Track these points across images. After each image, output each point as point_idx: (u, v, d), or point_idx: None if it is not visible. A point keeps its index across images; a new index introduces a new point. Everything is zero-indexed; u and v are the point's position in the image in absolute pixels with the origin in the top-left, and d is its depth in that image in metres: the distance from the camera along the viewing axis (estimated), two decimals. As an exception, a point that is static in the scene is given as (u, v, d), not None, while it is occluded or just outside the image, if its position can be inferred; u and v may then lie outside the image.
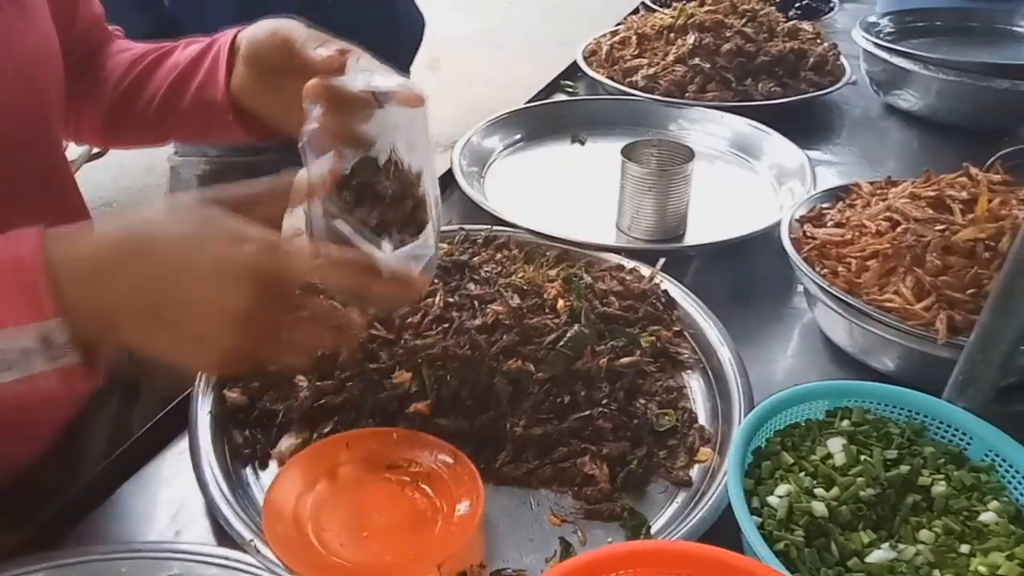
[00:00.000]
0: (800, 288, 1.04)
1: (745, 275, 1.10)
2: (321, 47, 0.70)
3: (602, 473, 0.74)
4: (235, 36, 0.79)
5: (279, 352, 0.63)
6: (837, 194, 1.02)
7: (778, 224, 0.98)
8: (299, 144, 0.67)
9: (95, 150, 3.12)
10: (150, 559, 0.62)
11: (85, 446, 0.87)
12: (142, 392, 0.94)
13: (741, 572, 0.57)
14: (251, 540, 0.64)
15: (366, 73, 0.67)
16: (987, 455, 0.70)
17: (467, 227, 1.04)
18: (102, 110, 0.86)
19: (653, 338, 0.88)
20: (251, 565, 0.62)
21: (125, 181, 3.35)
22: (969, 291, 0.78)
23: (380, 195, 0.69)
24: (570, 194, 1.25)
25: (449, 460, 0.73)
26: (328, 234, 0.65)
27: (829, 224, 0.94)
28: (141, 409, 0.93)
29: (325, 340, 0.66)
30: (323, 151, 0.67)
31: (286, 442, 0.76)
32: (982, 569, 0.62)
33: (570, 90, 1.64)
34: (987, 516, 0.66)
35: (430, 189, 0.71)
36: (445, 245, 1.00)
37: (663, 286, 0.95)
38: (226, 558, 0.63)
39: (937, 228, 0.83)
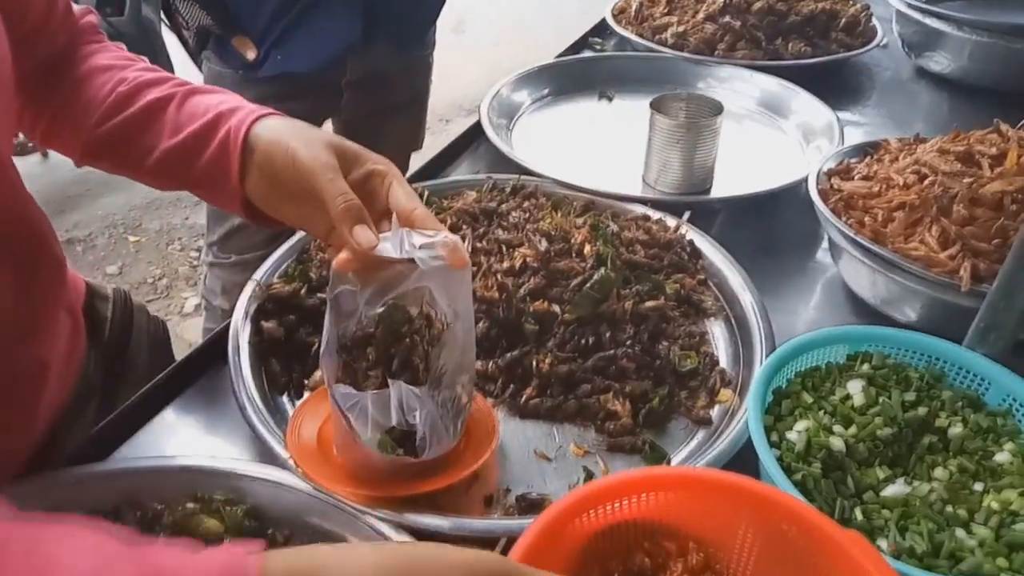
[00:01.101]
0: (825, 244, 1.05)
1: (770, 230, 1.11)
2: (358, 229, 0.62)
3: (624, 409, 0.77)
4: (247, 132, 0.69)
5: None
6: (865, 149, 1.02)
7: (805, 180, 0.98)
8: (327, 297, 0.65)
9: (30, 144, 2.97)
10: (199, 472, 0.65)
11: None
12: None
13: (759, 497, 0.59)
14: (289, 458, 0.67)
15: (405, 234, 0.61)
16: (1005, 400, 0.72)
17: (495, 176, 1.06)
18: (81, 140, 0.75)
19: (677, 285, 0.90)
20: (288, 482, 0.65)
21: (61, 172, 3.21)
22: (994, 241, 0.79)
23: (405, 347, 0.66)
24: (597, 149, 1.25)
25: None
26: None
27: (856, 178, 0.94)
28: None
29: None
30: (351, 309, 0.65)
31: (320, 373, 0.79)
32: (994, 505, 0.64)
33: (598, 47, 1.64)
34: (1002, 456, 0.68)
35: (465, 344, 0.66)
36: (473, 193, 1.02)
37: (688, 236, 0.97)
38: (266, 476, 0.66)
39: (965, 181, 0.84)
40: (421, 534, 0.63)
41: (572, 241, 0.88)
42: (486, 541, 0.66)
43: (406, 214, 0.63)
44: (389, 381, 0.62)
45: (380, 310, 0.67)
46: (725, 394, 0.80)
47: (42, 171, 3.18)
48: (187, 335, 2.51)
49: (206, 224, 1.72)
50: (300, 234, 0.93)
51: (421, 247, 0.60)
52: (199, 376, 0.82)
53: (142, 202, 3.15)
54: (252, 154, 0.69)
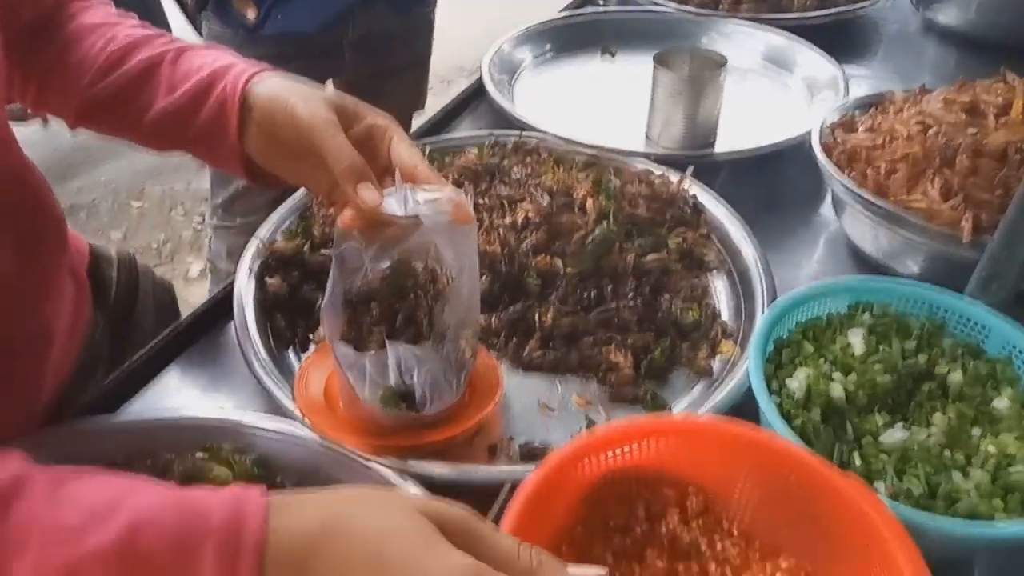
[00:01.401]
0: (828, 198, 1.05)
1: (774, 185, 1.11)
2: (362, 188, 0.61)
3: (626, 361, 0.77)
4: (244, 89, 0.68)
5: None
6: (870, 102, 1.01)
7: (809, 134, 0.98)
8: (332, 254, 0.65)
9: (29, 110, 2.98)
10: (208, 424, 0.67)
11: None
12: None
13: (759, 444, 0.60)
14: (297, 410, 0.68)
15: (409, 191, 0.61)
16: (1005, 348, 0.72)
17: (497, 132, 1.05)
18: (73, 102, 0.74)
19: (680, 240, 0.90)
20: (295, 433, 0.66)
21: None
22: (997, 192, 0.78)
23: (410, 304, 0.67)
24: (599, 105, 1.25)
25: None
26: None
27: (860, 131, 0.93)
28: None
29: None
30: (356, 265, 0.64)
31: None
32: (991, 449, 0.65)
33: (601, 3, 1.61)
34: (1000, 403, 0.68)
35: (469, 299, 0.67)
36: (475, 150, 1.01)
37: (691, 191, 0.96)
38: (274, 427, 0.67)
39: (969, 132, 0.83)
40: (426, 482, 0.65)
41: (574, 196, 0.88)
42: (489, 488, 0.68)
43: (409, 170, 0.63)
44: (388, 342, 0.62)
45: (385, 266, 0.67)
46: (726, 346, 0.81)
47: (43, 138, 3.15)
48: (192, 300, 2.52)
49: (209, 187, 1.72)
50: (303, 191, 0.93)
51: (425, 203, 0.60)
52: (205, 334, 0.83)
53: (144, 168, 3.14)
54: (250, 111, 0.68)
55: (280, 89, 0.68)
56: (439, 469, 0.65)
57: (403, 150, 0.64)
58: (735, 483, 0.62)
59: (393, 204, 0.61)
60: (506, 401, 0.77)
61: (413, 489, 0.64)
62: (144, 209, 2.99)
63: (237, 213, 1.63)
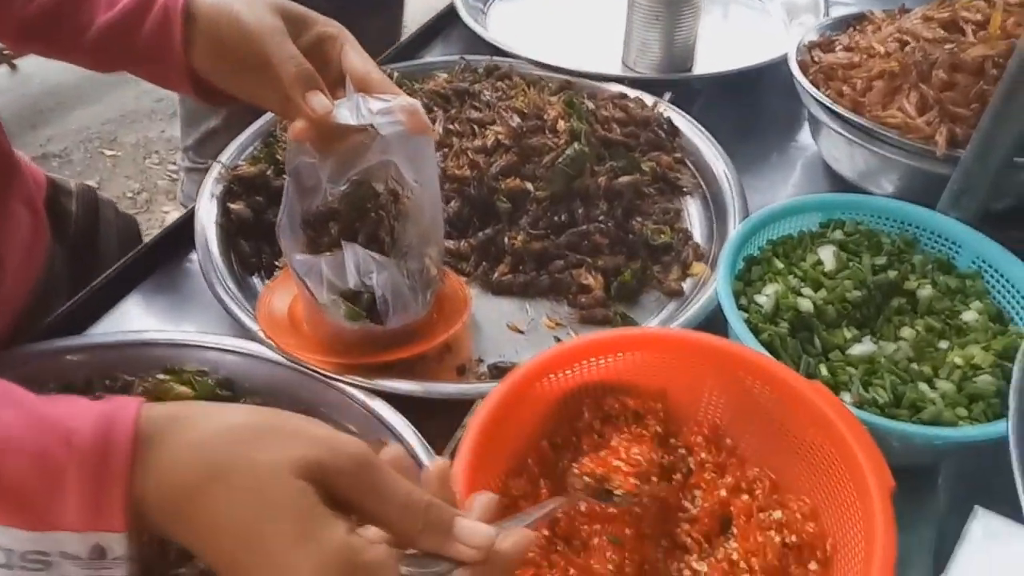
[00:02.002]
0: (807, 125, 1.03)
1: (752, 110, 1.09)
2: (311, 96, 0.59)
3: (597, 283, 0.77)
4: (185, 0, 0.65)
5: None
6: (849, 22, 0.99)
7: (787, 56, 0.95)
8: (287, 169, 0.62)
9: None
10: (171, 345, 0.66)
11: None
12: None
13: (724, 353, 0.60)
14: (259, 330, 0.67)
15: (361, 100, 0.59)
16: (975, 262, 0.72)
17: (468, 57, 1.02)
18: (12, 23, 0.70)
19: (653, 163, 0.89)
20: (259, 353, 0.65)
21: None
22: (973, 106, 0.77)
23: (371, 222, 0.65)
24: (574, 31, 1.21)
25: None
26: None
27: (838, 50, 0.91)
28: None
29: None
30: (312, 184, 0.62)
31: (291, 252, 0.78)
32: (958, 360, 0.65)
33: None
34: (968, 315, 0.68)
35: (431, 215, 0.66)
36: (445, 75, 0.98)
37: (666, 114, 0.94)
38: (237, 347, 0.66)
39: (946, 47, 0.81)
40: (394, 399, 0.64)
41: (545, 118, 0.86)
42: (458, 406, 0.67)
43: (361, 77, 0.60)
44: (344, 243, 0.61)
45: (344, 187, 0.65)
46: (698, 267, 0.80)
47: (11, 84, 3.08)
48: (170, 248, 2.49)
49: (180, 128, 1.68)
50: (267, 117, 0.90)
51: (379, 112, 0.58)
52: (169, 261, 0.81)
53: (116, 115, 3.06)
54: (194, 22, 0.64)
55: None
56: (406, 385, 0.65)
57: (354, 58, 0.62)
58: (702, 394, 0.62)
59: (345, 114, 0.58)
60: (476, 324, 0.76)
61: (383, 409, 0.63)
62: (117, 157, 2.93)
63: (209, 155, 1.58)
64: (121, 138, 3.00)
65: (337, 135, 0.60)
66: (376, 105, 0.58)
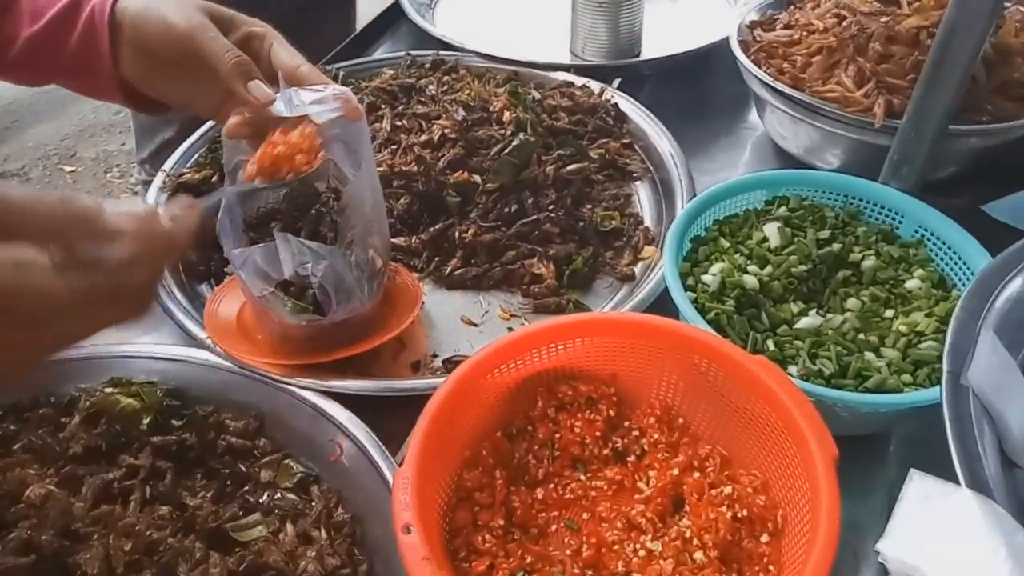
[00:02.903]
0: (754, 105, 1.04)
1: (701, 94, 1.10)
2: (253, 85, 0.58)
3: (549, 271, 0.77)
4: (112, 7, 0.63)
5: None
6: (789, 0, 1.00)
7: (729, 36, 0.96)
8: (225, 170, 0.62)
9: None
10: (117, 358, 0.65)
11: None
12: None
13: (669, 333, 0.60)
14: (207, 337, 0.66)
15: (294, 93, 0.59)
16: (917, 231, 0.73)
17: (414, 52, 1.02)
18: None
19: (602, 150, 0.89)
20: (208, 361, 0.65)
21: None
22: (909, 77, 0.78)
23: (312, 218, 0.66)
24: (522, 22, 1.21)
25: (390, 274, 0.75)
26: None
27: (779, 27, 0.92)
28: None
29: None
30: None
31: (240, 258, 0.77)
32: (903, 328, 0.66)
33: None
34: (912, 283, 0.69)
35: (373, 202, 0.66)
36: (389, 71, 0.98)
37: (613, 100, 0.95)
38: (184, 356, 0.65)
39: (882, 20, 0.82)
40: (348, 399, 0.64)
41: (491, 110, 0.86)
42: (413, 400, 0.67)
43: (291, 72, 0.60)
44: (277, 234, 0.60)
45: (285, 188, 0.65)
46: (649, 251, 0.80)
47: (-37, 105, 3.03)
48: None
49: (136, 141, 1.65)
50: (211, 123, 0.89)
51: (312, 102, 0.58)
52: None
53: (74, 130, 3.02)
54: (121, 30, 0.63)
55: (149, 1, 0.63)
56: (358, 384, 0.65)
57: (283, 54, 0.61)
58: (653, 376, 0.62)
59: (280, 107, 0.58)
60: (430, 319, 0.76)
61: (334, 409, 0.62)
62: (77, 172, 2.88)
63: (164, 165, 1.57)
64: (80, 153, 2.96)
65: (271, 127, 0.60)
66: (309, 96, 0.58)
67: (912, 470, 0.43)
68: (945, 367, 0.48)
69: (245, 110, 0.59)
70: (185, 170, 0.83)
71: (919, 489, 0.42)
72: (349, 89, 0.59)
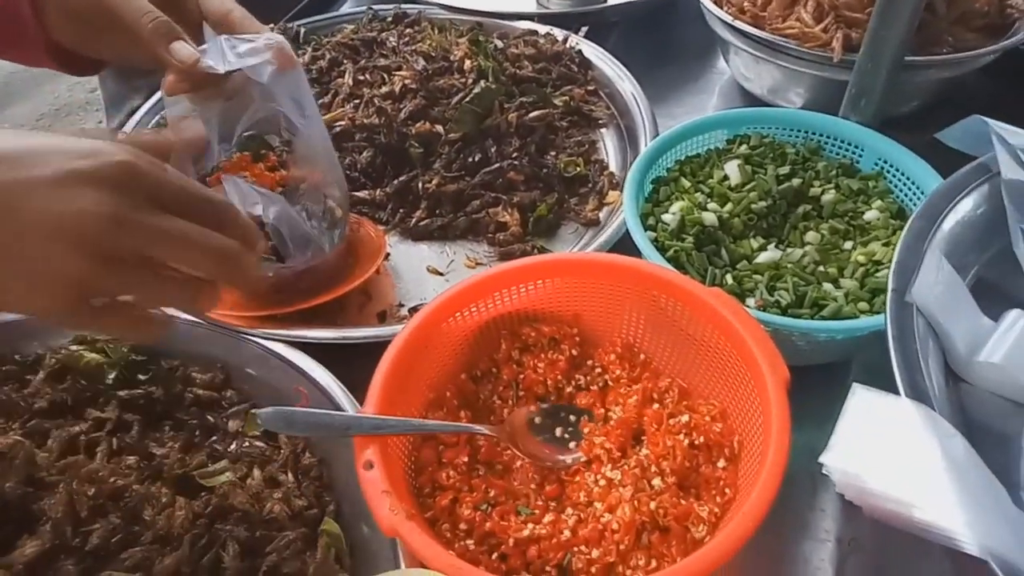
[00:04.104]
0: (719, 49, 1.04)
1: (668, 41, 1.09)
2: (175, 47, 0.56)
3: (513, 219, 0.77)
4: None
5: (148, 288, 0.45)
6: (753, -60, 0.99)
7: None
8: (169, 127, 0.60)
9: None
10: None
11: None
12: None
13: (626, 270, 0.61)
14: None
15: (226, 43, 0.57)
16: (877, 163, 0.73)
17: (376, 7, 1.01)
18: None
19: (566, 97, 0.89)
20: (172, 314, 0.65)
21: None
22: (867, 11, 0.78)
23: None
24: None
25: (353, 226, 0.76)
26: None
27: (742, -32, 0.91)
28: None
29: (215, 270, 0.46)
30: (196, 141, 0.59)
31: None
32: (860, 258, 0.66)
33: None
34: (870, 215, 0.70)
35: (324, 150, 0.65)
36: (351, 26, 0.97)
37: (578, 47, 0.94)
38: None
39: (842, -47, 0.82)
40: (314, 349, 0.64)
41: (452, 59, 0.85)
42: (379, 348, 0.68)
43: (222, 18, 0.59)
44: (223, 177, 0.60)
45: (236, 144, 0.64)
46: (613, 195, 0.81)
47: (-65, 87, 2.98)
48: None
49: (105, 113, 1.64)
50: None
51: (245, 53, 0.57)
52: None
53: (49, 109, 2.98)
54: None
55: None
56: (320, 333, 0.65)
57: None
58: (615, 315, 0.63)
59: (211, 62, 0.57)
60: (396, 271, 0.76)
61: (300, 359, 0.63)
62: (56, 152, 2.85)
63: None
64: (57, 132, 2.93)
65: (212, 80, 0.59)
66: (242, 46, 0.57)
67: (854, 384, 0.44)
68: (890, 285, 0.49)
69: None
70: (146, 131, 0.83)
71: (861, 401, 0.43)
72: (282, 37, 0.58)
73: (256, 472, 0.56)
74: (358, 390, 0.63)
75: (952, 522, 0.37)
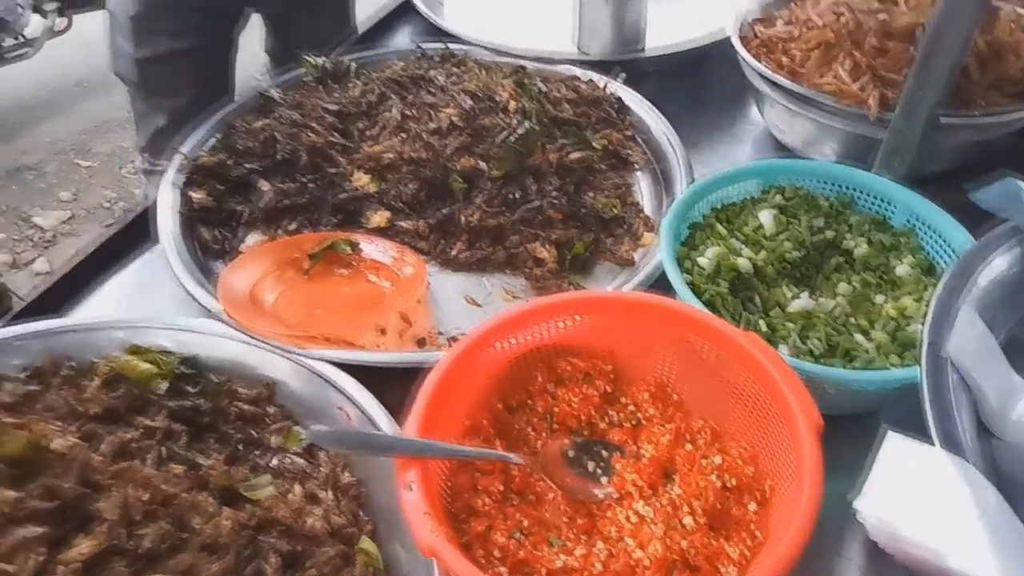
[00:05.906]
0: (754, 101, 1.06)
1: (704, 90, 1.12)
2: None
3: (551, 255, 0.79)
4: None
5: None
6: (791, -2, 1.02)
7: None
8: None
9: (58, 26, 3.00)
10: (134, 327, 0.67)
11: None
12: None
13: (663, 311, 0.62)
14: (222, 311, 0.69)
15: None
16: (909, 220, 0.75)
17: (424, 45, 1.05)
18: None
19: (605, 140, 0.91)
20: (222, 332, 0.67)
21: (96, 60, 3.25)
22: (904, 71, 0.80)
23: None
24: (530, 16, 1.23)
25: (395, 254, 0.78)
26: None
27: (779, 24, 0.94)
28: None
29: None
30: None
31: (252, 238, 0.80)
32: (892, 312, 0.68)
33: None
34: (902, 269, 0.71)
35: None
36: (400, 62, 1.01)
37: (616, 93, 0.97)
38: (200, 328, 0.68)
39: (879, 16, 0.85)
40: (354, 371, 0.66)
41: (497, 99, 0.89)
42: (417, 374, 0.69)
43: None
44: None
45: None
46: (648, 237, 0.83)
47: (-20, 98, 3.08)
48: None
49: (136, 131, 1.68)
50: (226, 109, 0.92)
51: None
52: (135, 251, 0.83)
53: (88, 125, 3.06)
54: None
55: None
56: (366, 356, 0.67)
57: None
58: (649, 353, 0.64)
59: None
60: (435, 299, 0.78)
61: (342, 379, 0.65)
62: (93, 168, 2.93)
63: (160, 154, 1.59)
64: (95, 148, 3.00)
65: None
66: None
67: (888, 431, 0.45)
68: (926, 339, 0.50)
69: None
70: (202, 153, 0.86)
71: (894, 448, 0.44)
72: None
73: (297, 488, 0.58)
74: (396, 412, 0.65)
75: (984, 570, 0.38)
